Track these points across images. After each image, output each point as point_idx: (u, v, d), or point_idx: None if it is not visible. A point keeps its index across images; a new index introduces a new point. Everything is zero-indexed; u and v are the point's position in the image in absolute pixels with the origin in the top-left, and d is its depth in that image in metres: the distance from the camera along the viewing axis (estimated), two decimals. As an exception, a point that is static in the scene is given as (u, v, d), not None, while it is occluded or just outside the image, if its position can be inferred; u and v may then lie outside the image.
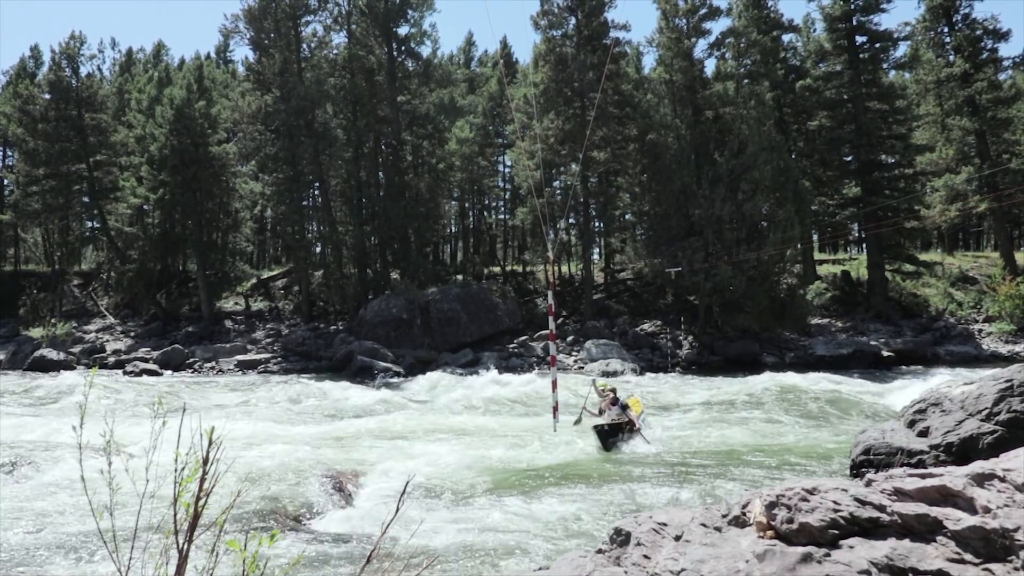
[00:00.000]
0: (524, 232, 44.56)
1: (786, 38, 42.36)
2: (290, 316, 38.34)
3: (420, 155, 40.23)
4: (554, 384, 12.13)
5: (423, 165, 40.19)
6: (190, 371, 29.50)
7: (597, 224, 42.03)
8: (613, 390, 13.62)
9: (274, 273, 45.15)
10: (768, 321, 30.73)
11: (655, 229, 33.21)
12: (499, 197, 53.17)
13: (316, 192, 39.91)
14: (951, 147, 37.04)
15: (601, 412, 13.31)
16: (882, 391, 20.20)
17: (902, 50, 38.41)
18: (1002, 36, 36.88)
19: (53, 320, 35.68)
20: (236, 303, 40.52)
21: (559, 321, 33.52)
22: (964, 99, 36.30)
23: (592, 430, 12.71)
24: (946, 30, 38.13)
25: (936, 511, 3.44)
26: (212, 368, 29.62)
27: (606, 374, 26.26)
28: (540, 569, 4.18)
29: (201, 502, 2.51)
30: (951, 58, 37.49)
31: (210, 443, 2.51)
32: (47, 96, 42.49)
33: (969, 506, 3.43)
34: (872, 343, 30.36)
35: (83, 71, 43.39)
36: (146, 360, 30.50)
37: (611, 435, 12.64)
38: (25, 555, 7.04)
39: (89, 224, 46.33)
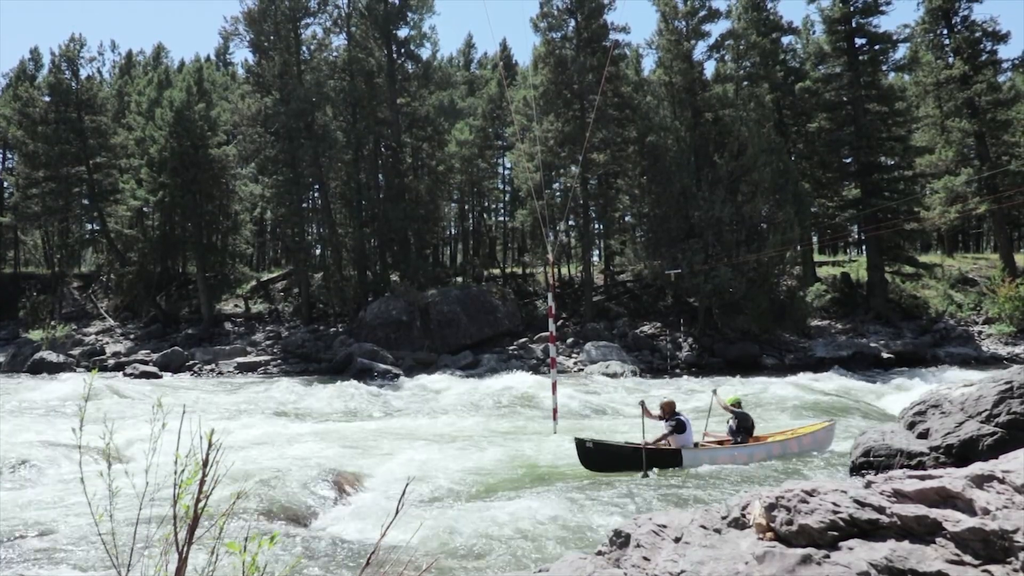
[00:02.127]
0: (524, 234, 44.58)
1: (785, 40, 42.43)
2: (290, 318, 38.33)
3: (420, 157, 40.26)
4: (554, 386, 12.12)
5: (423, 167, 40.22)
6: (190, 373, 29.50)
7: (597, 226, 42.05)
8: (671, 403, 11.89)
9: (274, 275, 45.14)
10: (768, 323, 30.75)
11: (655, 231, 33.23)
12: (499, 199, 53.18)
13: (316, 194, 39.93)
14: (951, 149, 37.07)
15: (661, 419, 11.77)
16: (882, 393, 20.21)
17: (901, 52, 38.48)
18: (1001, 38, 36.92)
19: (53, 322, 35.68)
20: (236, 305, 40.52)
21: (559, 323, 33.52)
22: (963, 101, 36.33)
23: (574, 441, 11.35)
24: (945, 32, 38.16)
25: (935, 512, 3.45)
26: (212, 370, 29.62)
27: (605, 375, 26.28)
28: (540, 571, 4.18)
29: (201, 504, 2.51)
30: (950, 60, 37.52)
31: (210, 445, 2.51)
32: (47, 98, 42.54)
33: (968, 508, 3.43)
34: (872, 345, 30.37)
35: (83, 73, 43.55)
36: (146, 362, 30.51)
37: (600, 455, 11.06)
38: (25, 557, 7.04)
39: (89, 226, 46.37)
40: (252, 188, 38.42)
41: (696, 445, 11.79)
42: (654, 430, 11.82)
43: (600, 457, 11.06)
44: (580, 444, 11.12)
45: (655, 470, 10.85)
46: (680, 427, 11.49)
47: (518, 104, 38.42)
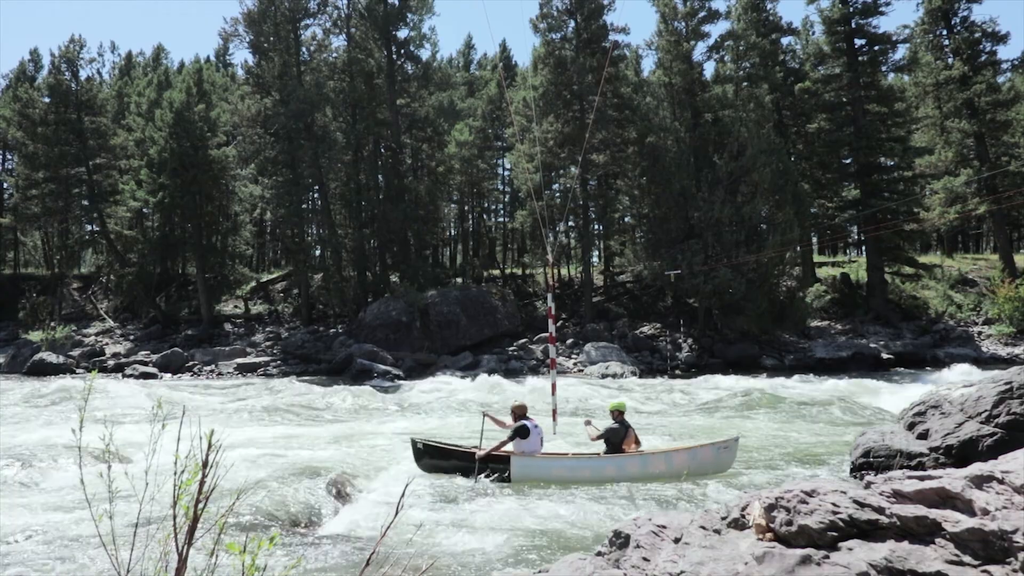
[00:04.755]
0: (523, 235, 44.57)
1: (785, 41, 42.48)
2: (289, 319, 38.33)
3: (419, 158, 40.26)
4: (553, 387, 12.12)
5: (422, 168, 40.23)
6: (189, 374, 29.50)
7: (596, 227, 42.06)
8: (522, 407, 10.99)
9: (273, 276, 45.15)
10: (767, 323, 30.75)
11: (654, 232, 33.23)
12: (499, 200, 53.21)
13: (315, 195, 39.93)
14: (950, 149, 37.09)
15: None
16: (881, 393, 20.20)
17: (901, 53, 38.52)
18: (1001, 39, 36.98)
19: (52, 323, 35.68)
20: (235, 306, 40.53)
21: (558, 324, 33.53)
22: (963, 101, 36.36)
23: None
24: (945, 33, 38.20)
25: (935, 513, 3.45)
26: (211, 371, 29.62)
27: (605, 376, 26.25)
28: (540, 572, 4.18)
29: (200, 505, 2.51)
30: (950, 61, 37.54)
31: (209, 446, 2.52)
32: (47, 99, 42.57)
33: (968, 508, 3.44)
34: (871, 345, 30.37)
35: (83, 74, 43.57)
36: (145, 363, 30.51)
37: (430, 456, 10.72)
38: (25, 558, 7.03)
39: (88, 227, 46.36)
40: (252, 189, 38.42)
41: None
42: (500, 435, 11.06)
43: (430, 458, 10.78)
44: (413, 444, 10.95)
45: (480, 477, 10.28)
46: (522, 432, 10.56)
47: (518, 105, 38.45)
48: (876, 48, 37.14)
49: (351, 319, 34.47)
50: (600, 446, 10.90)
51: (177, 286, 42.44)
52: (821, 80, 38.19)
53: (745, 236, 31.13)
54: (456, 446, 11.02)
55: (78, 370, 30.00)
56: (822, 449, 12.71)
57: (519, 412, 10.85)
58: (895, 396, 18.80)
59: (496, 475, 10.27)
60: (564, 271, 43.55)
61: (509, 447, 10.57)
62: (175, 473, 2.52)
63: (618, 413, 10.92)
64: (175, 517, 2.50)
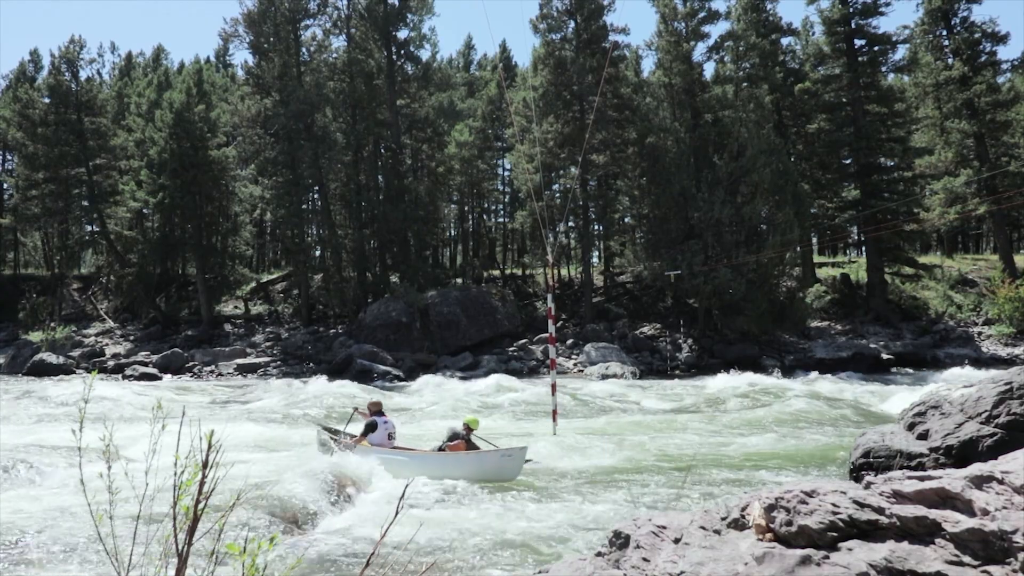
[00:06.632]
0: (523, 235, 44.57)
1: (785, 41, 42.46)
2: (289, 320, 38.32)
3: (419, 158, 40.26)
4: (553, 387, 12.13)
5: (422, 168, 40.23)
6: (190, 375, 29.51)
7: (596, 227, 42.05)
8: (376, 403, 11.80)
9: (273, 277, 45.14)
10: (767, 324, 30.75)
11: (654, 232, 33.23)
12: (499, 200, 53.18)
13: (315, 196, 39.92)
14: (950, 150, 37.07)
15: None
16: (881, 394, 20.21)
17: (901, 53, 38.50)
18: (1001, 39, 36.95)
19: (52, 324, 35.69)
20: (235, 307, 40.52)
21: (558, 324, 33.52)
22: (963, 102, 36.33)
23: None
24: (945, 33, 38.18)
25: (935, 513, 3.45)
26: (211, 372, 29.63)
27: (605, 377, 26.25)
28: (539, 572, 4.18)
29: (201, 505, 2.51)
30: (950, 61, 37.51)
31: (209, 446, 2.51)
32: (47, 100, 42.58)
33: (968, 508, 3.43)
34: (871, 346, 30.37)
35: (83, 75, 43.61)
36: (145, 364, 30.51)
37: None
38: (24, 559, 7.03)
39: (88, 228, 46.35)
40: (252, 189, 38.42)
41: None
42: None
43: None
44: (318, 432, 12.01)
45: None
46: (371, 426, 11.20)
47: (518, 105, 38.44)
48: (876, 48, 37.14)
49: (351, 319, 34.46)
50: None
51: (177, 286, 42.43)
52: (821, 80, 38.18)
53: (745, 236, 31.13)
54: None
55: (78, 371, 30.00)
56: (822, 449, 12.72)
57: (374, 408, 11.60)
58: (895, 396, 18.81)
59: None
60: (564, 271, 43.54)
61: (364, 440, 11.20)
62: (175, 473, 2.52)
63: (467, 428, 11.34)
64: (175, 517, 2.50)
